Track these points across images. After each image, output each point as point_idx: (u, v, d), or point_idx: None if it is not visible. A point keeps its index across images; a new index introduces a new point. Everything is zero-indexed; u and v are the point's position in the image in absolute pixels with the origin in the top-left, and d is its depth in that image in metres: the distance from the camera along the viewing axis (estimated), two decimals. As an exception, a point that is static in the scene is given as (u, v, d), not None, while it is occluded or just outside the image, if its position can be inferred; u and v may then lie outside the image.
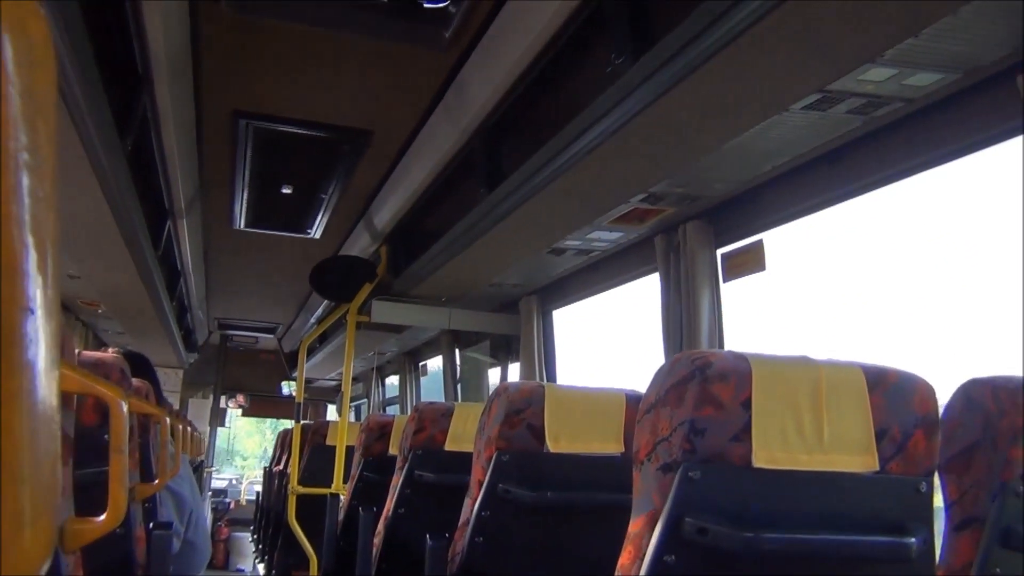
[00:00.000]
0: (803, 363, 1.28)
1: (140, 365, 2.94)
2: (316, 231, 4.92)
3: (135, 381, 2.12)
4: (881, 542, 1.23)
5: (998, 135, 2.01)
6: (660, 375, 1.27)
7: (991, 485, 1.35)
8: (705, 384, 1.21)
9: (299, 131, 3.47)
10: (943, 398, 1.43)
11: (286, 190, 4.31)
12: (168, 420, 2.33)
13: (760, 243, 2.95)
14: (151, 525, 2.17)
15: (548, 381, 4.51)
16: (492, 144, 3.04)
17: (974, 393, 1.40)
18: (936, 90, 2.00)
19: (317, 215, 4.64)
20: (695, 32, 1.78)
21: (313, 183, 4.17)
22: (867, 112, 2.12)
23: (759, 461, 1.21)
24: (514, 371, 5.06)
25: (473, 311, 4.86)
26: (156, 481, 2.20)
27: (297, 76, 3.03)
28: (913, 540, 1.22)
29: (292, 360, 9.32)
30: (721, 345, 3.19)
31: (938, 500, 1.40)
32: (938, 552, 1.36)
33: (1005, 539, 1.32)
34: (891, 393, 1.29)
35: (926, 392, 1.31)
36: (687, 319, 3.12)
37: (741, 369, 1.23)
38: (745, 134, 2.26)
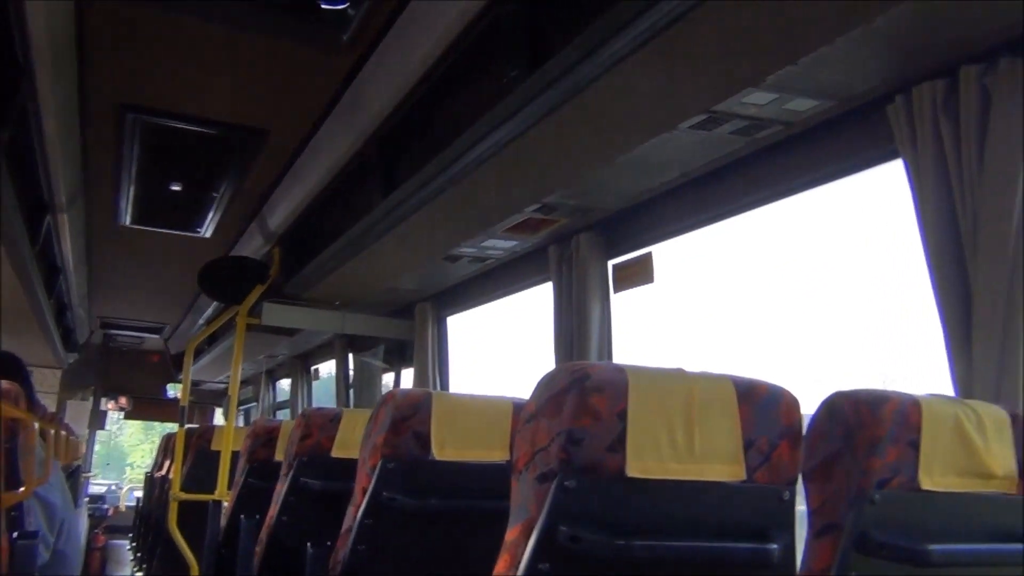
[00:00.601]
0: (678, 376, 1.32)
1: (10, 366, 2.80)
2: (206, 230, 4.80)
3: (4, 383, 2.03)
4: (745, 548, 1.28)
5: (870, 160, 2.13)
6: (540, 386, 1.29)
7: (850, 493, 1.42)
8: (583, 395, 1.24)
9: (190, 127, 3.38)
10: (809, 410, 1.50)
11: (175, 187, 4.18)
12: (38, 424, 2.23)
13: (649, 255, 3.03)
14: (15, 535, 2.07)
15: (441, 387, 4.52)
16: (388, 149, 3.03)
17: (837, 406, 1.46)
18: (813, 115, 2.10)
19: (208, 214, 4.52)
20: (588, 49, 1.83)
21: (204, 181, 4.07)
22: (750, 133, 2.21)
23: (633, 471, 1.25)
24: (408, 377, 5.05)
25: (367, 315, 4.82)
26: (22, 488, 2.10)
27: (189, 72, 2.95)
28: (775, 546, 1.28)
29: (179, 362, 9.04)
30: (610, 355, 3.26)
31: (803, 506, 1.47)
32: (799, 558, 1.43)
33: (861, 545, 1.39)
34: (759, 405, 1.35)
35: (791, 404, 1.38)
36: (577, 328, 3.18)
37: (618, 381, 1.26)
38: (636, 149, 2.32)
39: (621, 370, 1.28)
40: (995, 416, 1.48)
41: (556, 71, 1.96)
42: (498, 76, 2.21)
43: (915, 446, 1.40)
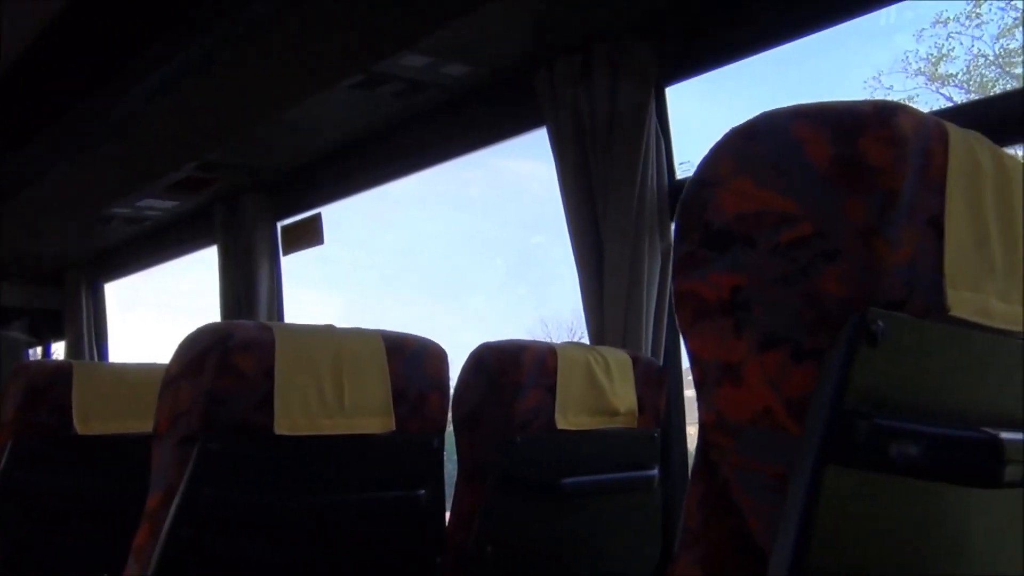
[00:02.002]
0: (326, 332, 1.33)
1: None
2: None
3: None
4: (394, 496, 1.32)
5: (520, 127, 2.26)
6: (182, 347, 1.23)
7: (495, 438, 1.52)
8: (226, 355, 1.20)
9: None
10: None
11: None
12: None
13: (318, 216, 3.00)
14: None
15: (100, 359, 4.17)
16: (14, 95, 2.70)
17: (483, 356, 1.55)
18: (468, 81, 2.18)
19: None
20: (236, 2, 1.75)
21: None
22: (410, 96, 2.26)
23: (281, 428, 1.24)
24: (61, 350, 4.60)
25: (8, 285, 4.31)
26: None
27: None
28: (422, 492, 1.34)
29: None
30: (281, 318, 3.19)
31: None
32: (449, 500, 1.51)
33: (504, 485, 1.49)
34: (408, 359, 1.39)
35: (439, 357, 1.44)
36: (245, 291, 3.08)
37: (264, 339, 1.24)
38: (297, 108, 2.28)
39: (267, 328, 1.26)
40: (620, 360, 1.65)
41: (209, 23, 1.86)
42: (143, 24, 2.05)
43: (552, 390, 1.52)
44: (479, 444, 1.53)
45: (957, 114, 1.71)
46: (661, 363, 1.89)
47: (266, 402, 1.24)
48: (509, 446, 1.49)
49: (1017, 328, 0.69)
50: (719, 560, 0.58)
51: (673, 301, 0.62)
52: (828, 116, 0.58)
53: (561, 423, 1.53)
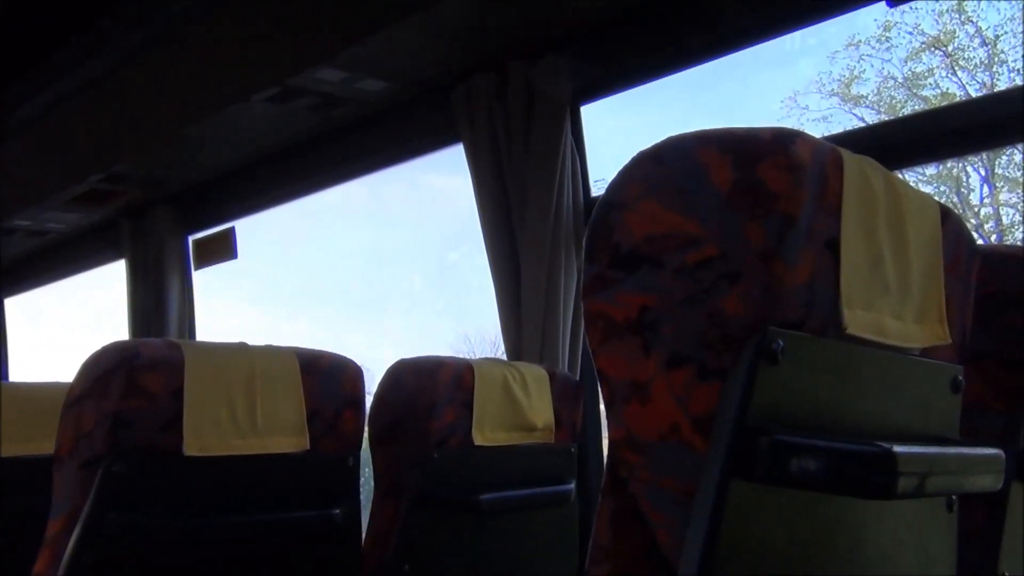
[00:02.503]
0: (239, 350, 1.30)
1: None
2: None
3: None
4: (308, 516, 1.31)
5: (437, 143, 2.26)
6: (85, 367, 1.19)
7: (412, 455, 1.51)
8: (133, 374, 1.17)
9: None
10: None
11: None
12: None
13: (231, 231, 2.94)
14: None
15: (1, 378, 4.00)
16: None
17: (399, 373, 1.54)
18: (384, 97, 2.18)
19: None
20: (147, 8, 1.71)
21: None
22: (326, 111, 2.24)
23: (190, 449, 1.21)
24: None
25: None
26: None
27: None
28: (337, 511, 1.32)
29: None
30: (192, 333, 3.12)
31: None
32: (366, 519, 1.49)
33: (422, 502, 1.49)
34: (323, 376, 1.38)
35: (355, 374, 1.42)
36: (155, 307, 3.00)
37: (173, 358, 1.21)
38: (210, 121, 2.24)
39: (176, 346, 1.23)
40: (537, 375, 1.66)
41: (114, 30, 1.81)
42: (47, 30, 1.99)
43: (469, 406, 1.52)
44: (396, 461, 1.52)
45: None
46: (578, 378, 1.91)
47: (175, 422, 1.21)
48: (426, 462, 1.49)
49: (909, 344, 0.72)
50: (629, 574, 0.60)
51: (584, 321, 0.63)
52: (730, 142, 0.60)
53: (478, 439, 1.54)
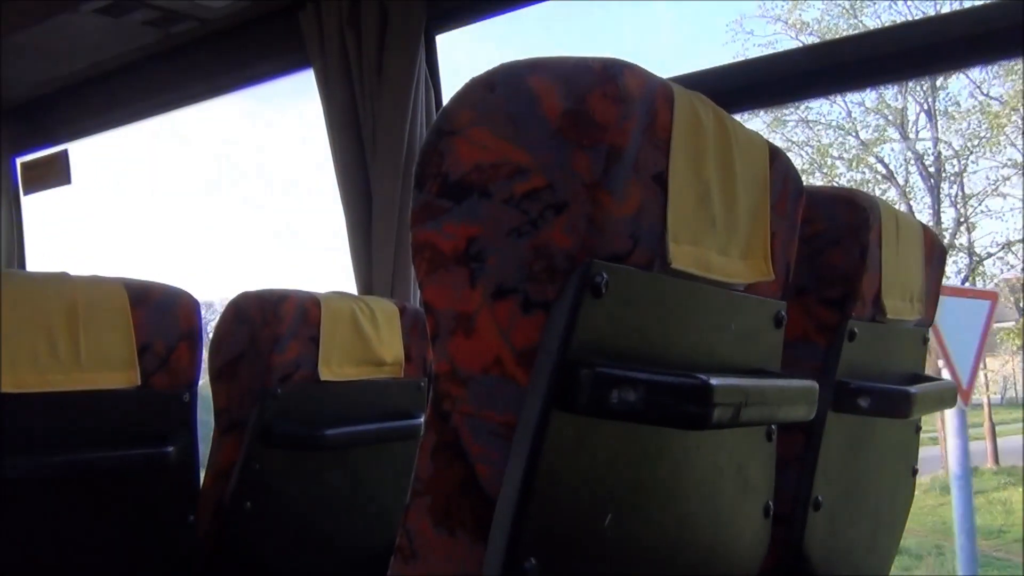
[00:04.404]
0: (60, 280, 1.22)
1: None
2: None
3: None
4: (137, 454, 1.25)
5: (286, 67, 2.16)
6: None
7: (254, 390, 1.46)
8: None
9: None
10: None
11: None
12: None
13: (65, 154, 2.74)
14: None
15: None
16: None
17: (243, 306, 1.48)
18: (227, 15, 2.05)
19: None
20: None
21: None
22: (163, 26, 2.09)
23: (5, 386, 1.12)
24: None
25: None
26: None
27: None
28: (170, 449, 1.27)
29: None
30: (22, 263, 2.91)
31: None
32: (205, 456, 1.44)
33: (264, 437, 1.45)
34: (154, 309, 1.31)
35: (190, 307, 1.36)
36: (-22, 235, 2.78)
37: None
38: (36, 31, 2.06)
39: None
40: (387, 309, 1.64)
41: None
42: None
43: (315, 341, 1.48)
44: (237, 397, 1.48)
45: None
46: (428, 312, 1.90)
47: (-12, 357, 1.12)
48: (269, 398, 1.45)
49: (734, 280, 0.74)
50: (448, 507, 0.59)
51: (411, 251, 0.62)
52: (561, 71, 0.59)
53: (325, 374, 1.51)
